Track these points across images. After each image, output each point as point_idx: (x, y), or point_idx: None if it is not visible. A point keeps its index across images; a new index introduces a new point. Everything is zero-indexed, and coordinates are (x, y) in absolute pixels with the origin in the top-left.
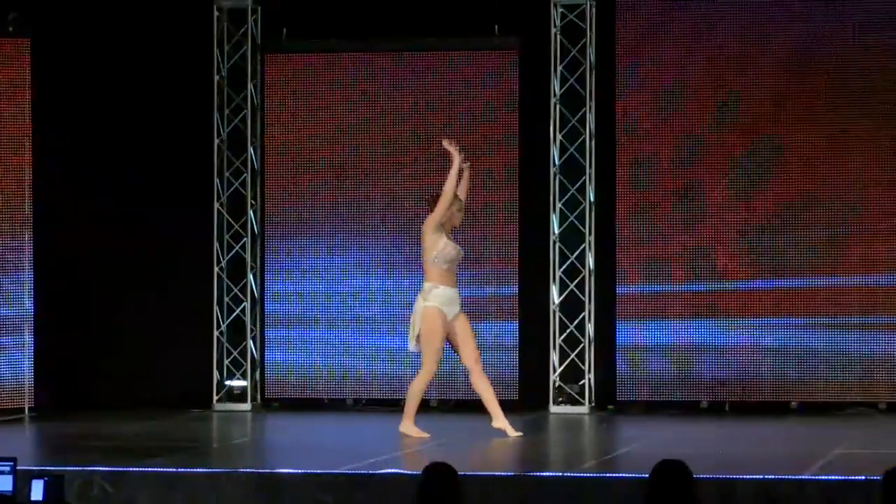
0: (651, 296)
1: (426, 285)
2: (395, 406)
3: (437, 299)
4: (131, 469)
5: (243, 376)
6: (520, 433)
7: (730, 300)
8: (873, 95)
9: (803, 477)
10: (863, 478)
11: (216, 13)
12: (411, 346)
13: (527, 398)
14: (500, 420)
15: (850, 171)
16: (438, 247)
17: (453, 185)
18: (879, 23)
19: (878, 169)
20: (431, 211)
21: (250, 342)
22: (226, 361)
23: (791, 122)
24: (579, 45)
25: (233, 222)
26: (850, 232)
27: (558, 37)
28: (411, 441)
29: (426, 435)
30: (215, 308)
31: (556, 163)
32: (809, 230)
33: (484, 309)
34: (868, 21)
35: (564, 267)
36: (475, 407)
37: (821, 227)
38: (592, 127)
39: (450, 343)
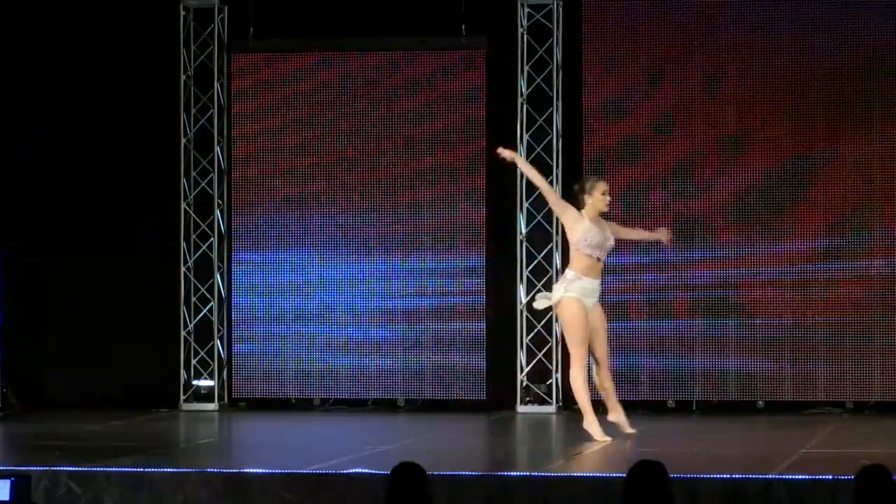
0: (617, 295)
1: (568, 273)
2: (362, 406)
3: (576, 290)
4: (98, 469)
5: (210, 376)
6: (633, 431)
7: (695, 299)
8: (841, 93)
9: (770, 476)
10: (829, 477)
11: (182, 13)
12: (540, 305)
13: (494, 398)
14: (616, 413)
15: (814, 166)
16: (578, 232)
17: (533, 176)
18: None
19: (839, 167)
20: (575, 198)
21: (217, 342)
22: (193, 361)
23: (758, 120)
24: (546, 45)
25: (199, 222)
26: (817, 228)
27: (525, 37)
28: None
29: (607, 439)
30: (182, 308)
31: None
32: (774, 226)
33: (451, 308)
34: (833, 17)
35: (532, 266)
36: (443, 406)
37: (786, 223)
38: (559, 127)
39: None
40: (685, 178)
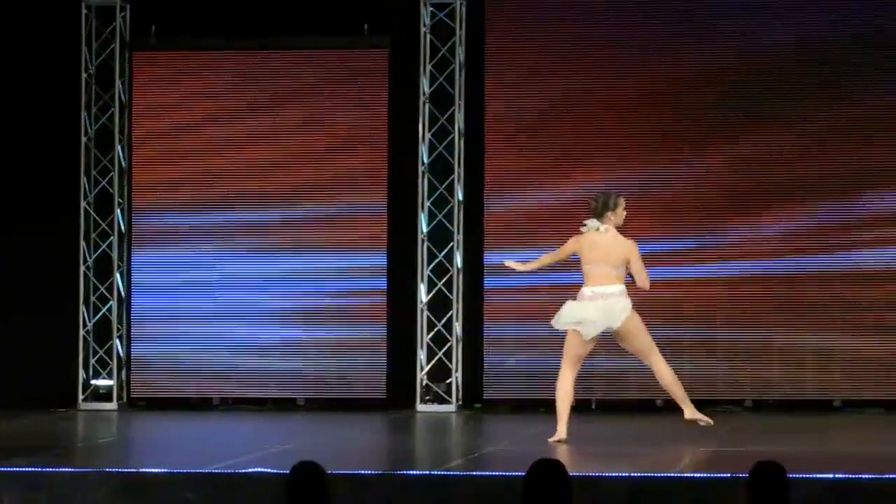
0: (519, 294)
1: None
2: (261, 405)
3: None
4: None
5: (109, 375)
6: (559, 439)
7: None
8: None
9: (669, 475)
10: (728, 475)
11: (84, 10)
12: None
13: (394, 397)
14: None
15: (709, 166)
16: None
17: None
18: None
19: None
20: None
21: (116, 341)
22: (92, 360)
23: (664, 118)
24: (449, 45)
25: (100, 221)
26: (718, 226)
27: (428, 36)
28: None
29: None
30: (81, 307)
31: (425, 162)
32: (675, 225)
33: (352, 307)
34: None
35: (433, 265)
36: (343, 406)
37: (685, 222)
38: (461, 126)
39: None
40: (589, 176)
